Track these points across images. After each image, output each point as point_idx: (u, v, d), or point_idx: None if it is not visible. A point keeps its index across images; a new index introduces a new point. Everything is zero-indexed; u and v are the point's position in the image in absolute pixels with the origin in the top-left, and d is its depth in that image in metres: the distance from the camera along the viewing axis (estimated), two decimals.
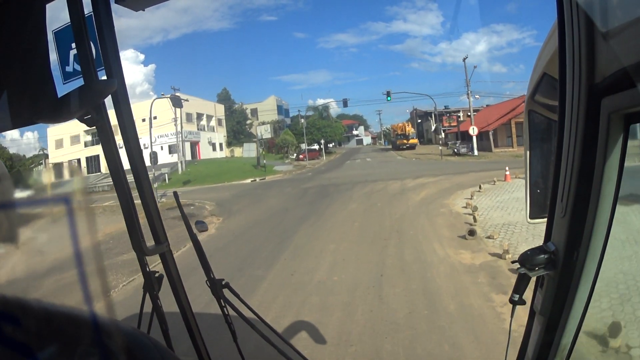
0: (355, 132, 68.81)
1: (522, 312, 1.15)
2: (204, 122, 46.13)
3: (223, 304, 1.43)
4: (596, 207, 0.84)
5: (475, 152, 32.10)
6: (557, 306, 0.96)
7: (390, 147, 54.88)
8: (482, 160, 27.69)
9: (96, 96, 1.04)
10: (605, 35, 0.76)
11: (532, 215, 1.55)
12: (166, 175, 30.89)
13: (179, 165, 35.42)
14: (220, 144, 48.83)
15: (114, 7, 1.16)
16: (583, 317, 0.93)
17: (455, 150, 33.68)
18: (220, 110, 49.57)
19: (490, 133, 33.16)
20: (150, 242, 1.20)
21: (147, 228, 1.21)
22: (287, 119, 56.37)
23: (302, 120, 47.97)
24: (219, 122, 49.51)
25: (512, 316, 1.16)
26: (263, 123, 47.56)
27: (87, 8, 1.06)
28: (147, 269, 1.29)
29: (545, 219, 1.05)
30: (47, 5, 1.06)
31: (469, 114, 36.55)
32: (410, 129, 47.83)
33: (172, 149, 38.18)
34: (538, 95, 1.41)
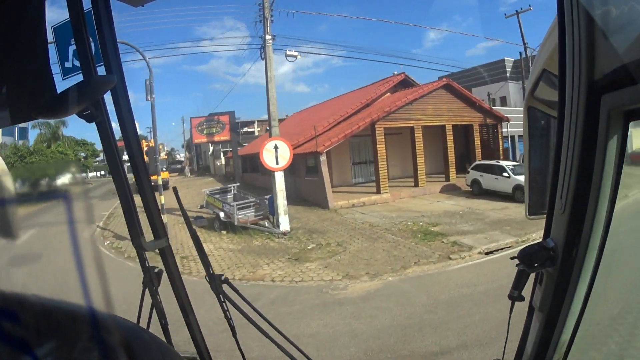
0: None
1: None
2: None
3: (222, 299, 1.43)
4: (595, 204, 0.84)
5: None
6: (556, 303, 0.96)
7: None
8: None
9: (95, 92, 1.04)
10: (606, 32, 0.76)
11: (531, 212, 1.55)
12: None
13: None
14: None
15: (113, 3, 1.15)
16: (582, 313, 0.93)
17: None
18: None
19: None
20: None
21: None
22: None
23: None
24: None
25: (510, 312, 1.16)
26: None
27: (86, 4, 1.06)
28: (147, 264, 1.29)
29: (545, 216, 1.05)
30: (46, 1, 1.06)
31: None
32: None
33: None
34: (538, 91, 1.41)
